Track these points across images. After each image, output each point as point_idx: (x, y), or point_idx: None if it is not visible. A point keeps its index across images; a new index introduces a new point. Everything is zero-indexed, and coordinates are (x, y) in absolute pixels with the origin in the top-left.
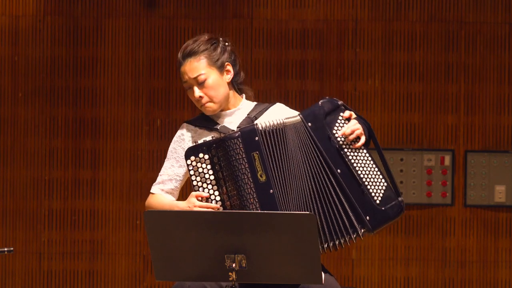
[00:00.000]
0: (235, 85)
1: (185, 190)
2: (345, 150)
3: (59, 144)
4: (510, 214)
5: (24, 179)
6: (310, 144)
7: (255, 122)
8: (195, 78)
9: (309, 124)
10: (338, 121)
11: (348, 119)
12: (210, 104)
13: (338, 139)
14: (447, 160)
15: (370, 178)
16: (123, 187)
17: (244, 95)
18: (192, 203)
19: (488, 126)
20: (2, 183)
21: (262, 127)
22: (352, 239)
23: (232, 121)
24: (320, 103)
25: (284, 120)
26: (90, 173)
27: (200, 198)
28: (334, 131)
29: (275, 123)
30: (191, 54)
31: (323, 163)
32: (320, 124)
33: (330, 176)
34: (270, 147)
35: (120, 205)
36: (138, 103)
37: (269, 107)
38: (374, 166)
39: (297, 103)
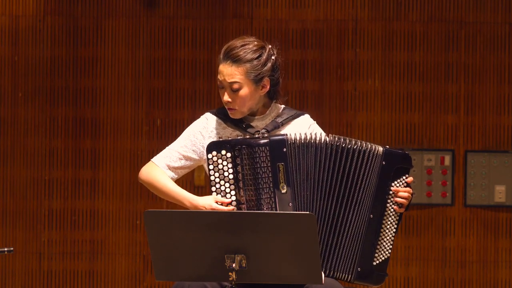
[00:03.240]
0: (269, 94)
1: (183, 182)
2: (388, 205)
3: (59, 144)
4: (510, 214)
5: (24, 179)
6: (368, 178)
7: (286, 133)
8: (230, 83)
9: (383, 162)
10: (401, 179)
11: (408, 184)
12: (235, 112)
13: (390, 192)
14: (447, 160)
15: (384, 241)
16: (123, 187)
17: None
18: (209, 205)
19: (488, 126)
20: (2, 183)
21: (292, 139)
22: (333, 275)
23: (257, 124)
24: (407, 153)
25: (367, 145)
26: (90, 173)
27: (219, 203)
28: (392, 185)
29: (307, 137)
30: (234, 60)
31: (365, 200)
32: (390, 169)
33: (361, 215)
34: (297, 161)
35: (120, 205)
36: (138, 103)
37: (298, 116)
38: (393, 233)
39: (297, 103)
